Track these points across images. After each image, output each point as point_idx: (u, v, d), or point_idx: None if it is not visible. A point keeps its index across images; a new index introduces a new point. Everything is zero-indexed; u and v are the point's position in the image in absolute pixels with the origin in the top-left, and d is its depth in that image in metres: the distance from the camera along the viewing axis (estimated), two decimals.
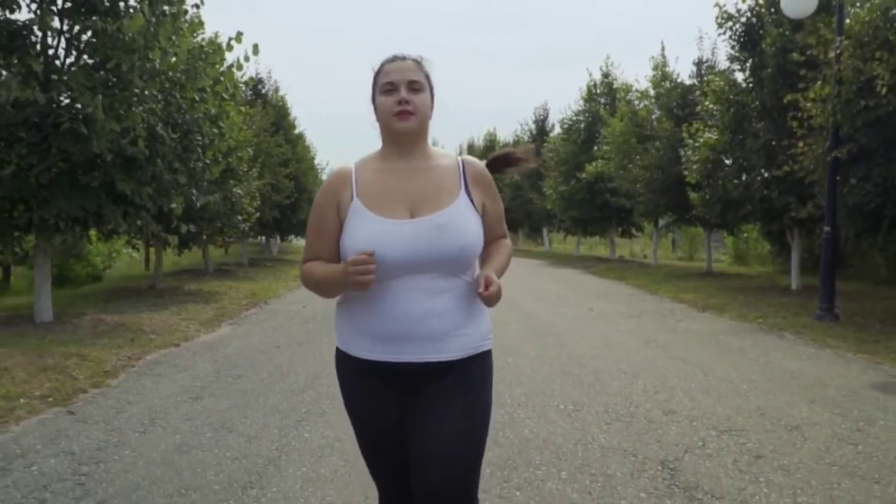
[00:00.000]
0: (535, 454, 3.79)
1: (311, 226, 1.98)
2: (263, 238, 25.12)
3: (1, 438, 4.14)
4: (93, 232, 9.67)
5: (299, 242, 30.56)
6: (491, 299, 1.83)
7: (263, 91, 22.64)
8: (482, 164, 2.01)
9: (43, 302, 8.31)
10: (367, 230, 1.84)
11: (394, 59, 1.95)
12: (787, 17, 9.07)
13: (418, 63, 1.95)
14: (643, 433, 4.17)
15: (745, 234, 18.21)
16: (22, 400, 4.89)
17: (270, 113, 19.24)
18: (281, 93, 23.39)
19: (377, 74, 1.95)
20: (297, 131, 23.43)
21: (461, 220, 1.86)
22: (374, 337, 1.87)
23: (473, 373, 1.91)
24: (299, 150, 22.96)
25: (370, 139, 2.06)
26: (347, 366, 1.96)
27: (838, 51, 8.04)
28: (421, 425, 1.88)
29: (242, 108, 11.92)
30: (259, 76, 22.71)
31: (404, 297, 1.83)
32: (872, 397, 5.04)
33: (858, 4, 9.67)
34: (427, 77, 1.95)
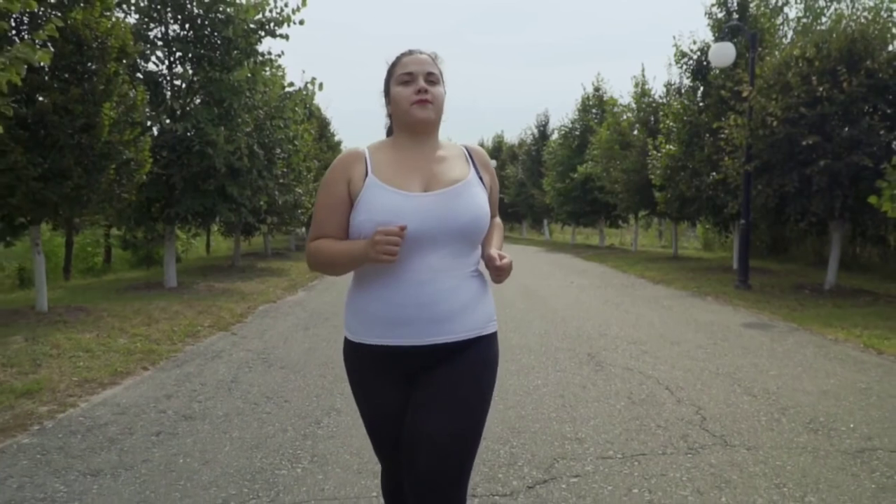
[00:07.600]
0: (517, 351, 6.13)
1: (320, 203, 1.87)
2: (304, 228, 27.47)
3: (202, 345, 6.53)
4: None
5: None
6: (503, 271, 1.81)
7: (309, 96, 24.83)
8: (482, 150, 1.98)
9: (171, 272, 10.73)
10: (383, 201, 1.75)
11: (411, 52, 1.89)
12: (713, 65, 11.30)
13: (433, 58, 1.90)
14: (582, 343, 6.51)
15: (708, 226, 20.29)
16: (199, 328, 7.29)
17: (316, 124, 21.57)
18: (317, 101, 25.61)
19: (393, 66, 1.88)
20: (336, 138, 25.75)
21: (473, 194, 1.82)
22: (385, 322, 1.78)
23: (479, 359, 1.83)
24: (337, 154, 25.18)
25: (374, 138, 2.10)
26: (357, 353, 1.88)
27: (749, 92, 10.25)
28: (418, 412, 1.79)
29: (312, 131, 14.37)
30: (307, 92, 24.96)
31: (414, 280, 1.76)
32: (737, 329, 7.33)
33: (780, 49, 11.86)
34: (440, 73, 1.90)
